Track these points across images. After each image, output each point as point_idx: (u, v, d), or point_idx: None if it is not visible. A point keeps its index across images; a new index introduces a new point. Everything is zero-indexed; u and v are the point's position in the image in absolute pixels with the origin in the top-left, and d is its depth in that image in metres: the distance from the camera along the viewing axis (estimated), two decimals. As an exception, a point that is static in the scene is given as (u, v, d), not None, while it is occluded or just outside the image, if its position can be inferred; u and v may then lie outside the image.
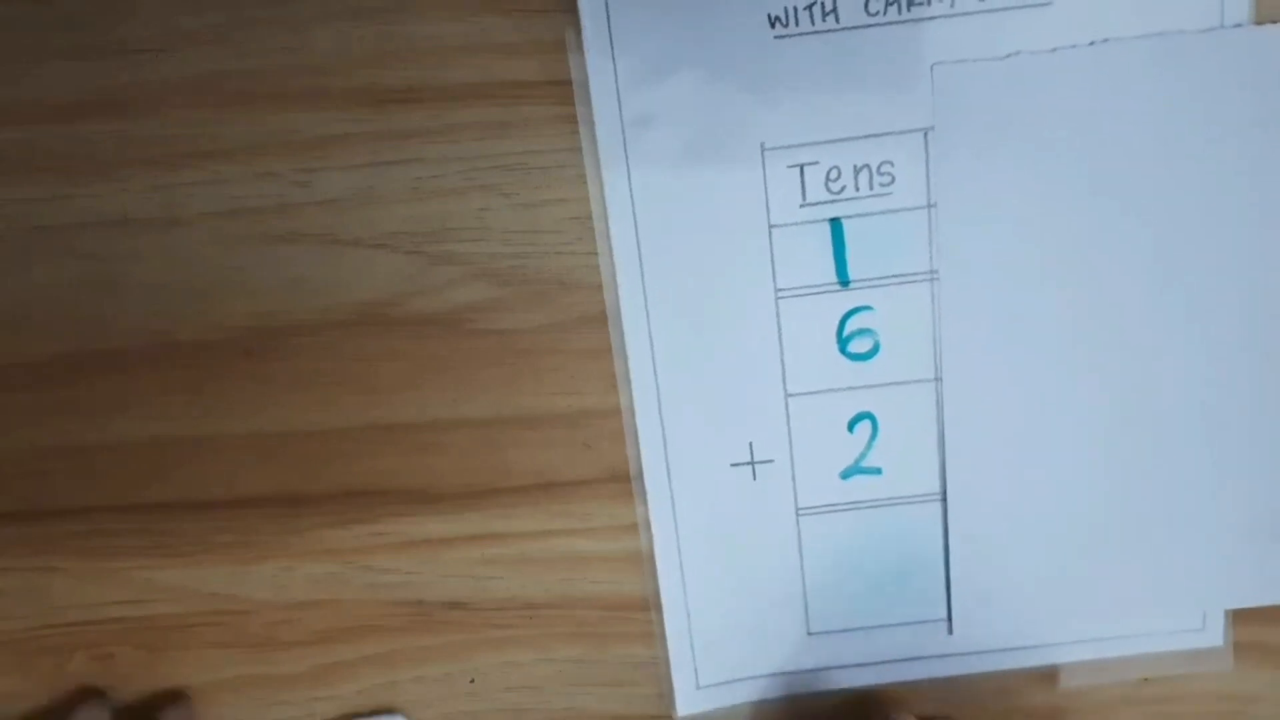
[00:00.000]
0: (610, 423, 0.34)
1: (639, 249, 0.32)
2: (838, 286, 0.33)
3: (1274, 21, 0.31)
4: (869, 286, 0.33)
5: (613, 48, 0.31)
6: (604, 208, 0.32)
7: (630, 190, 0.32)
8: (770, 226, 0.32)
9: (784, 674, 0.36)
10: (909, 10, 0.30)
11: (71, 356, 0.33)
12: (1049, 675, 0.36)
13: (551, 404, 0.34)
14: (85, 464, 0.34)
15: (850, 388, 0.34)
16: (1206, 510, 0.34)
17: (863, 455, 0.34)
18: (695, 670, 0.36)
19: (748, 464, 0.34)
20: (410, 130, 0.31)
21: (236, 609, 0.36)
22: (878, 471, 0.34)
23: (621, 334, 0.33)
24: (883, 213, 0.32)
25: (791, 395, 0.34)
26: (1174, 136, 0.31)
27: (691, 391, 0.34)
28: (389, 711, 0.36)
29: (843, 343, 0.33)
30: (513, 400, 0.34)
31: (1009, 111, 0.31)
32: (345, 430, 0.34)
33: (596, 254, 0.33)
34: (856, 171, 0.32)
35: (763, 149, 0.32)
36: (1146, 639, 0.36)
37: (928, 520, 0.35)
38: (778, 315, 0.33)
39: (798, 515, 0.35)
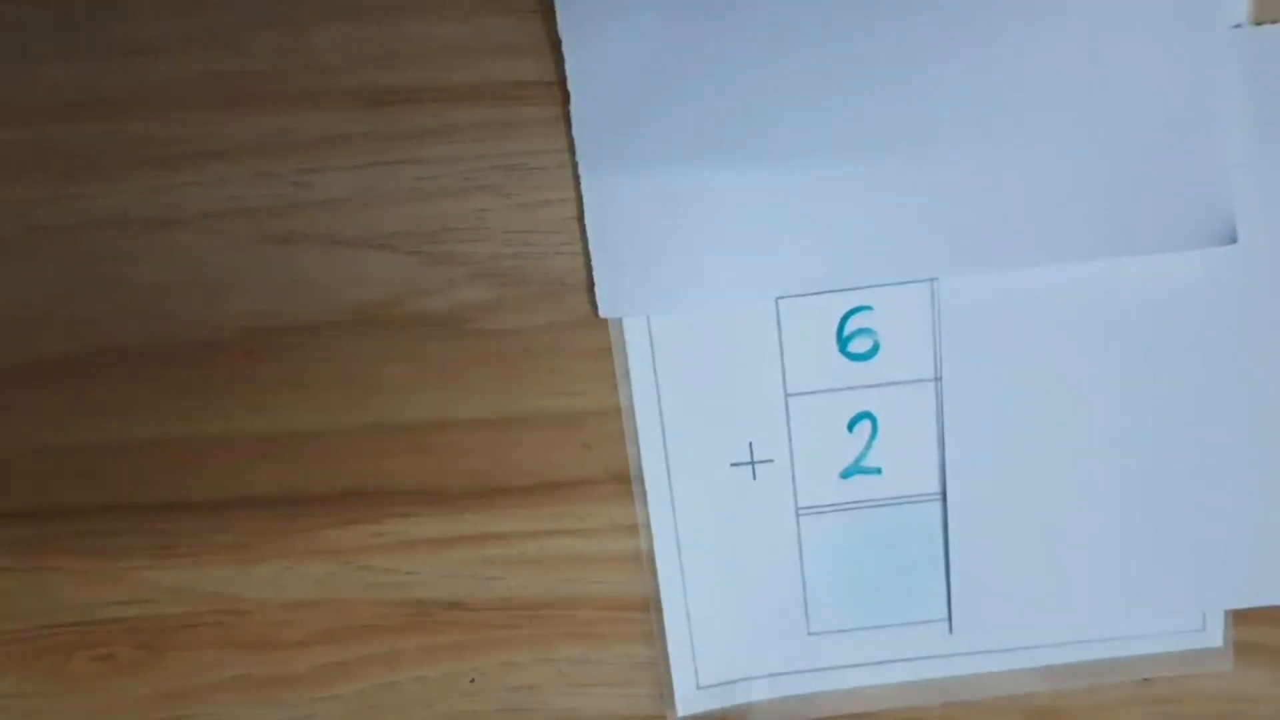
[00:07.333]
0: (610, 423, 0.34)
1: (639, 249, 0.32)
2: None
3: (1274, 21, 0.31)
4: (869, 286, 0.33)
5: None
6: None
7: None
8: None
9: (784, 674, 0.36)
10: None
11: (71, 356, 0.33)
12: (1049, 675, 0.36)
13: (551, 404, 0.34)
14: (85, 464, 0.34)
15: (850, 387, 0.34)
16: (1206, 510, 0.34)
17: (862, 455, 0.34)
18: (695, 670, 0.36)
19: (747, 464, 0.34)
20: (410, 130, 0.31)
21: (236, 609, 0.36)
22: (877, 471, 0.34)
23: (622, 334, 0.33)
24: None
25: (791, 395, 0.34)
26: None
27: (691, 391, 0.34)
28: None
29: (843, 342, 0.33)
30: (513, 400, 0.34)
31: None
32: (345, 430, 0.34)
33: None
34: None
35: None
36: (1146, 639, 0.36)
37: (927, 520, 0.35)
38: (778, 315, 0.33)
39: (798, 515, 0.35)
